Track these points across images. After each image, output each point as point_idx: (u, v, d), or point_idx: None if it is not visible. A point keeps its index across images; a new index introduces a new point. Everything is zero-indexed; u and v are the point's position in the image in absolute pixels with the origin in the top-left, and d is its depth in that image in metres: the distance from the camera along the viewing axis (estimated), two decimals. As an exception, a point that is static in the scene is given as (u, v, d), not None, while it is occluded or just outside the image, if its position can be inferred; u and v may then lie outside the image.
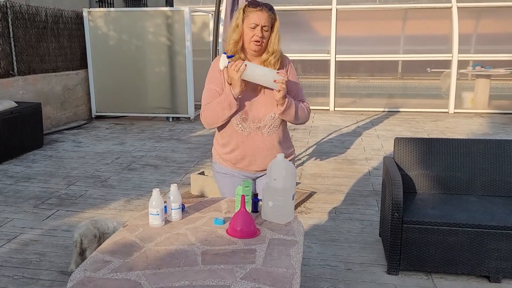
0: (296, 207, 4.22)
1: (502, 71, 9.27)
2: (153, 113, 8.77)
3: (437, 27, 9.48)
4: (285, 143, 2.53)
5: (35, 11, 7.69)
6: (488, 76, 9.29)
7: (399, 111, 9.45)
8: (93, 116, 8.93)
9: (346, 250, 3.50)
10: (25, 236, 3.76)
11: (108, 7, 10.88)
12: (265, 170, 2.46)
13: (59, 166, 5.74)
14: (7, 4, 7.07)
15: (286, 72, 2.44)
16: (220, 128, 2.47)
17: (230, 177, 2.54)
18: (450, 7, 9.15)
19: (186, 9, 8.21)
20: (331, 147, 6.60)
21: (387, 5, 9.55)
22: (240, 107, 2.35)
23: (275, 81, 2.24)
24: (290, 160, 2.57)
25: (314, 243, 3.60)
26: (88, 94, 8.94)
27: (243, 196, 2.01)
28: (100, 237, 3.06)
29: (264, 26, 2.28)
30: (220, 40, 6.92)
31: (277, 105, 2.33)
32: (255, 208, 2.23)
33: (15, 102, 6.40)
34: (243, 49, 2.36)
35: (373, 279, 3.10)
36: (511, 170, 3.36)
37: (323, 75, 9.59)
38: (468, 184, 3.39)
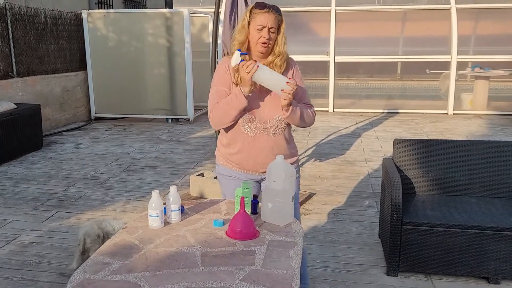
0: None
1: (501, 72, 9.29)
2: (153, 115, 8.77)
3: (436, 29, 9.50)
4: (290, 145, 2.52)
5: (34, 12, 7.69)
6: (487, 78, 9.30)
7: (398, 112, 9.46)
8: (92, 117, 8.93)
9: (345, 252, 3.50)
10: (24, 238, 3.76)
11: (107, 8, 10.89)
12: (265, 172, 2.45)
13: (58, 168, 5.73)
14: (6, 5, 7.08)
15: (292, 74, 2.44)
16: (226, 129, 2.45)
17: (234, 179, 2.51)
18: (449, 9, 9.17)
19: (185, 10, 8.22)
20: (331, 149, 6.60)
21: (386, 7, 9.56)
22: (248, 107, 2.34)
23: (282, 90, 2.23)
24: (294, 162, 2.56)
25: (314, 244, 3.60)
26: (88, 95, 8.94)
27: (242, 198, 2.01)
28: (104, 238, 3.05)
29: (271, 28, 2.27)
30: (219, 41, 6.92)
31: (282, 109, 2.32)
32: (255, 209, 2.23)
33: (14, 103, 6.40)
34: (249, 50, 2.35)
35: (373, 281, 3.10)
36: (510, 171, 3.36)
37: (322, 76, 9.60)
38: (467, 185, 3.40)
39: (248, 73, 2.20)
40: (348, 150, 6.54)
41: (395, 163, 3.47)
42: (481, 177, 3.39)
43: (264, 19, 2.26)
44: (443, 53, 9.25)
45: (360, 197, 4.67)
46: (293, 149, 2.57)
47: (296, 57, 2.45)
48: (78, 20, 8.73)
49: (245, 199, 2.13)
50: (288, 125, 2.47)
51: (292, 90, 2.22)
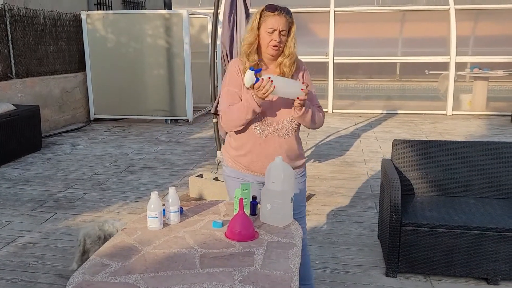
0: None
1: (500, 73, 9.30)
2: (152, 116, 8.77)
3: (435, 29, 9.51)
4: (299, 146, 2.51)
5: (34, 13, 7.69)
6: (486, 78, 9.31)
7: (397, 113, 9.46)
8: (91, 118, 8.93)
9: (344, 253, 3.50)
10: (23, 239, 3.75)
11: (106, 9, 10.89)
12: None
13: (57, 169, 5.73)
14: (5, 7, 7.07)
15: (303, 77, 2.43)
16: (236, 131, 2.42)
17: (241, 181, 2.46)
18: (448, 9, 9.18)
19: (184, 11, 8.22)
20: (330, 149, 6.60)
21: (385, 7, 9.57)
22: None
23: (297, 98, 2.21)
24: (303, 164, 2.55)
25: (313, 245, 3.60)
26: (87, 96, 8.94)
27: (241, 199, 2.02)
28: (106, 239, 3.04)
29: (282, 30, 2.25)
30: (218, 42, 6.93)
31: (295, 109, 2.30)
32: (254, 211, 2.23)
33: (13, 105, 6.40)
34: (258, 52, 2.33)
35: (372, 282, 3.10)
36: (509, 172, 3.37)
37: (322, 77, 9.60)
38: (466, 186, 3.40)
39: (265, 93, 2.16)
40: (347, 151, 6.54)
41: (394, 164, 3.47)
42: (480, 178, 3.39)
43: (275, 21, 2.24)
44: (442, 54, 9.26)
45: (359, 198, 4.67)
46: (302, 150, 2.56)
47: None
48: (77, 21, 8.73)
49: (244, 200, 2.14)
50: (299, 126, 2.45)
51: (305, 97, 2.21)
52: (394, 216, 3.02)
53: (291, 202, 2.13)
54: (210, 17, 9.11)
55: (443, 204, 3.24)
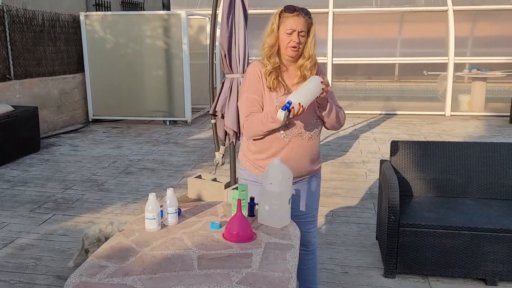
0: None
1: (498, 73, 9.31)
2: (150, 117, 8.76)
3: (433, 30, 9.52)
4: (318, 150, 2.49)
5: (32, 15, 7.69)
6: (484, 79, 9.32)
7: (396, 114, 9.47)
8: (90, 119, 8.92)
9: (343, 253, 3.50)
10: (21, 241, 3.75)
11: (105, 10, 10.89)
12: (300, 177, 2.41)
13: (56, 170, 5.73)
14: (4, 8, 7.07)
15: (322, 78, 2.41)
16: None
17: (259, 185, 2.38)
18: (446, 10, 9.19)
19: (183, 12, 8.22)
20: (328, 150, 6.60)
21: (384, 8, 9.58)
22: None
23: (319, 96, 2.18)
24: (320, 168, 2.53)
25: (311, 246, 3.60)
26: (85, 97, 8.93)
27: (239, 200, 2.02)
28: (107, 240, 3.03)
29: (301, 31, 2.22)
30: (217, 43, 6.92)
31: (319, 107, 2.28)
32: (252, 212, 2.23)
33: (11, 106, 6.39)
34: (278, 53, 2.30)
35: (370, 282, 3.10)
36: (507, 173, 3.37)
37: (320, 78, 9.59)
38: (465, 187, 3.40)
39: (296, 116, 2.13)
40: (346, 151, 6.54)
41: (392, 165, 3.48)
42: (478, 179, 3.40)
43: (294, 22, 2.21)
44: (440, 55, 9.27)
45: (358, 199, 4.67)
46: (320, 155, 2.54)
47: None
48: (75, 23, 8.72)
49: (242, 201, 2.14)
50: (320, 129, 2.42)
51: (326, 87, 2.17)
52: (392, 217, 3.02)
53: (289, 203, 2.13)
54: (209, 18, 9.13)
55: (441, 205, 3.24)
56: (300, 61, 2.31)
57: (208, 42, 8.91)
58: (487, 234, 2.95)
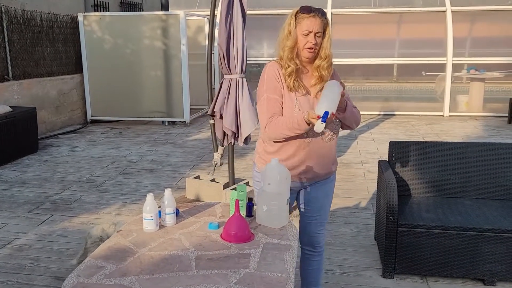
0: (291, 211, 4.21)
1: (496, 74, 9.32)
2: (149, 117, 8.76)
3: (431, 31, 9.53)
4: (335, 151, 2.48)
5: (30, 15, 7.68)
6: (482, 79, 9.33)
7: (394, 115, 9.48)
8: (88, 120, 8.91)
9: (341, 254, 3.50)
10: (19, 241, 3.74)
11: (103, 11, 10.88)
12: (318, 178, 2.40)
13: (54, 171, 5.72)
14: (2, 8, 7.06)
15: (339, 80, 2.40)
16: None
17: None
18: (444, 11, 9.20)
19: (181, 13, 8.22)
20: (327, 151, 6.60)
21: (382, 9, 9.59)
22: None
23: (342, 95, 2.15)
24: (335, 169, 2.49)
25: (310, 247, 3.60)
26: (84, 98, 8.93)
27: (237, 201, 2.01)
28: None
29: (317, 32, 2.19)
30: (215, 44, 6.92)
31: (338, 109, 2.22)
32: (250, 212, 2.23)
33: (10, 106, 6.38)
34: (297, 55, 2.27)
35: (369, 283, 3.10)
36: (505, 173, 3.37)
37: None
38: (463, 187, 3.41)
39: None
40: (344, 152, 6.54)
41: (390, 165, 3.48)
42: (477, 179, 3.40)
43: (310, 23, 2.18)
44: (438, 55, 9.28)
45: (356, 199, 4.67)
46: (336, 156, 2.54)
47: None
48: (74, 23, 8.72)
49: (240, 201, 2.14)
50: (338, 130, 2.40)
51: (344, 91, 2.16)
52: (391, 217, 3.02)
53: (287, 203, 2.12)
54: (207, 18, 9.13)
55: (440, 205, 3.24)
56: (317, 62, 2.28)
57: (206, 42, 8.91)
58: (485, 234, 2.95)
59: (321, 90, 2.25)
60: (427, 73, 9.61)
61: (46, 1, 8.12)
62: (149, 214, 2.03)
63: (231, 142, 3.99)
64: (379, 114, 9.49)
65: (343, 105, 2.24)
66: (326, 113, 2.02)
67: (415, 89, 10.02)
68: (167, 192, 2.09)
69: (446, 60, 9.18)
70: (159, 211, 2.12)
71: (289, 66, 2.24)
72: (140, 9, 13.59)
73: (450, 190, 3.42)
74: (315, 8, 2.21)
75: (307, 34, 2.20)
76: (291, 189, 2.36)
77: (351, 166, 5.84)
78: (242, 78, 3.83)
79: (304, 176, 2.37)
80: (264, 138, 2.35)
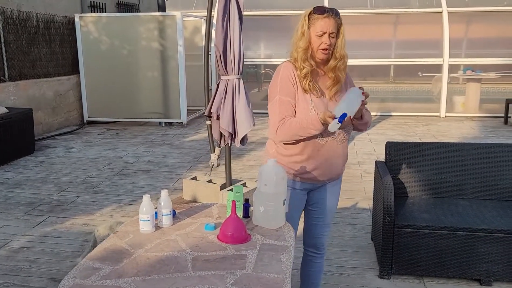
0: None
1: (492, 75, 9.35)
2: (146, 118, 8.75)
3: (428, 32, 9.55)
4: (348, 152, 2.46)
5: (26, 16, 7.66)
6: (478, 80, 9.36)
7: (391, 115, 9.49)
8: (85, 121, 8.90)
9: (338, 255, 3.50)
10: (15, 243, 3.73)
11: (100, 12, 10.86)
12: (330, 179, 2.39)
13: (51, 172, 5.70)
14: (-2, 9, 7.04)
15: (352, 82, 2.38)
16: None
17: (289, 189, 2.34)
18: (441, 12, 9.23)
19: (178, 14, 8.21)
20: (324, 152, 6.60)
21: (379, 10, 9.61)
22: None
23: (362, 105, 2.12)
24: (344, 170, 2.48)
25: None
26: (80, 99, 8.91)
27: (233, 202, 2.01)
28: None
29: (332, 33, 2.17)
30: (212, 45, 6.92)
31: (353, 117, 2.21)
32: (246, 213, 2.22)
33: (6, 108, 6.36)
34: (312, 56, 2.23)
35: (365, 283, 3.10)
36: (501, 174, 3.38)
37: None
38: (459, 187, 3.41)
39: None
40: (341, 153, 6.54)
41: (387, 166, 3.48)
42: (473, 179, 3.41)
43: (324, 24, 2.15)
44: (435, 56, 9.31)
45: (353, 200, 4.68)
46: None
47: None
48: (70, 24, 8.70)
49: (236, 202, 2.13)
50: (350, 132, 2.39)
51: (365, 102, 2.13)
52: (387, 217, 3.02)
53: (284, 204, 2.12)
54: (204, 19, 9.12)
55: (436, 206, 3.25)
56: (333, 63, 2.25)
57: (203, 43, 8.90)
58: (481, 234, 2.95)
59: (336, 93, 2.26)
60: (423, 74, 9.63)
61: (43, 2, 8.10)
62: (145, 215, 2.03)
63: (228, 143, 3.99)
64: (376, 115, 9.50)
65: (359, 114, 2.21)
66: (345, 114, 2.01)
67: (412, 90, 10.04)
68: (164, 193, 2.09)
69: (443, 61, 9.21)
70: (156, 212, 2.11)
71: (304, 67, 2.21)
72: (137, 10, 13.57)
73: (446, 190, 3.42)
74: (329, 8, 2.18)
75: (321, 35, 2.17)
76: (302, 189, 2.38)
77: (348, 167, 5.84)
78: (239, 79, 3.83)
79: (317, 178, 2.35)
80: (275, 140, 2.31)
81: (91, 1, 9.65)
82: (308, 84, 2.21)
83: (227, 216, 2.07)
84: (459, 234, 2.97)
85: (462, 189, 3.41)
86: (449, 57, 9.17)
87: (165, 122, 8.73)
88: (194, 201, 4.49)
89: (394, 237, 3.05)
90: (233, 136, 3.91)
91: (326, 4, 9.45)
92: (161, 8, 9.59)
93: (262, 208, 2.09)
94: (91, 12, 9.55)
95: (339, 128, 2.07)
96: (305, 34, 2.20)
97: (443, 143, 3.49)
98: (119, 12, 12.34)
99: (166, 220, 2.10)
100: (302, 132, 2.18)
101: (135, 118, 8.77)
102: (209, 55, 4.54)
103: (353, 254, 3.51)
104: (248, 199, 2.25)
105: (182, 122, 8.64)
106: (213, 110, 3.88)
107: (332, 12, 2.16)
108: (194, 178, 4.65)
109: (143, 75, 8.53)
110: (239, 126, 3.81)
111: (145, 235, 2.03)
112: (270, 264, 1.77)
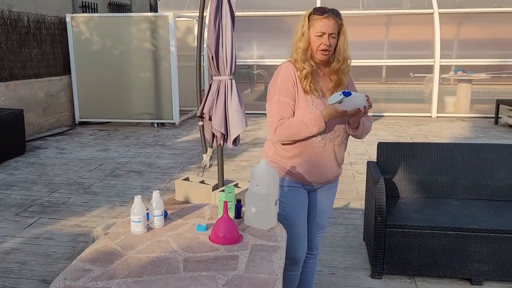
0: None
1: (483, 75, 9.42)
2: (138, 119, 8.71)
3: (419, 33, 9.61)
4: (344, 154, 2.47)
5: (17, 16, 7.61)
6: (469, 81, 9.43)
7: (383, 116, 9.53)
8: (76, 122, 8.85)
9: (330, 255, 3.51)
10: (6, 245, 3.70)
11: (91, 12, 10.81)
12: (327, 182, 2.39)
13: (42, 173, 5.66)
14: (-12, 9, 6.99)
15: (353, 85, 2.38)
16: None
17: (293, 189, 2.35)
18: (432, 13, 9.28)
19: (170, 14, 8.20)
20: (316, 152, 6.62)
21: (370, 11, 9.65)
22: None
23: (359, 109, 2.08)
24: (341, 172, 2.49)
25: (299, 248, 3.60)
26: (72, 100, 8.86)
27: (225, 202, 2.01)
28: None
29: (331, 33, 2.15)
30: (204, 45, 6.91)
31: (351, 125, 2.23)
32: (238, 214, 2.22)
33: (-4, 108, 6.32)
34: (311, 57, 2.22)
35: (357, 283, 3.11)
36: (492, 174, 3.41)
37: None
38: (450, 187, 3.43)
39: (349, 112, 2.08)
40: (333, 153, 6.56)
41: (379, 166, 3.49)
42: (464, 180, 3.43)
43: (323, 25, 2.14)
44: (426, 57, 9.36)
45: (345, 200, 4.69)
46: None
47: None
48: (61, 24, 8.65)
49: (228, 203, 2.13)
50: (348, 136, 2.39)
51: (367, 109, 2.10)
52: (379, 217, 3.04)
53: (276, 205, 2.12)
54: (196, 20, 9.11)
55: (428, 206, 3.27)
56: (336, 65, 2.23)
57: (195, 44, 8.89)
58: (472, 234, 2.98)
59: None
60: (415, 75, 9.68)
61: (34, 2, 8.04)
62: (136, 216, 2.02)
63: (220, 143, 3.99)
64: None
65: (357, 123, 2.21)
66: (349, 92, 2.02)
67: (404, 91, 10.09)
68: (155, 194, 2.08)
69: (434, 61, 9.27)
70: (147, 213, 2.11)
71: (304, 68, 2.20)
72: (129, 10, 13.51)
73: (437, 190, 3.44)
74: (329, 9, 2.18)
75: (321, 36, 2.16)
76: (303, 189, 2.38)
77: (340, 167, 5.86)
78: (231, 79, 3.82)
79: (315, 180, 2.35)
80: (273, 139, 2.31)
81: (82, 1, 9.60)
82: (309, 85, 2.21)
83: (219, 216, 2.07)
84: (450, 233, 2.99)
85: (453, 189, 3.43)
86: (440, 58, 9.23)
87: (157, 123, 8.71)
88: (187, 202, 4.48)
89: (386, 237, 3.07)
90: (226, 136, 3.90)
91: (318, 5, 9.47)
92: (153, 8, 9.55)
93: (254, 209, 2.09)
94: (83, 12, 9.50)
95: (340, 111, 2.05)
96: (305, 34, 2.20)
97: (434, 143, 3.52)
98: (110, 12, 12.29)
99: (157, 221, 2.10)
100: (303, 131, 2.18)
101: (127, 119, 8.73)
102: (202, 56, 4.53)
103: (345, 254, 3.52)
104: (240, 200, 2.25)
105: (174, 123, 8.62)
106: (205, 110, 3.87)
107: (332, 13, 2.16)
108: (187, 179, 4.64)
109: (135, 76, 8.50)
110: (232, 126, 3.80)
111: (137, 236, 2.02)
112: (262, 264, 1.78)
